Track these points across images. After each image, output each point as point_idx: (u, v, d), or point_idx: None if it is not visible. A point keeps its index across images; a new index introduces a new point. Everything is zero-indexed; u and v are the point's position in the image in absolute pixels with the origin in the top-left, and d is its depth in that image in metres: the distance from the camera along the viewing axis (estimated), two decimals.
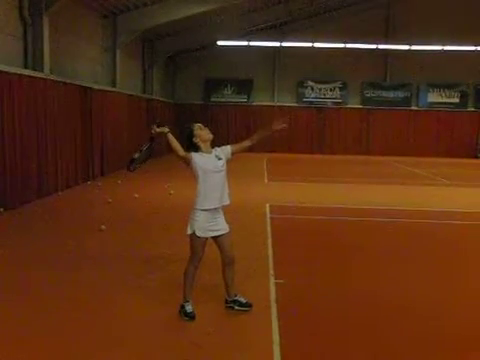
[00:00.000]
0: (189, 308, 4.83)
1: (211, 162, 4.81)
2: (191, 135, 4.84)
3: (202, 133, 4.87)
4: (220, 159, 4.86)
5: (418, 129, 29.18)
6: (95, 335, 4.50)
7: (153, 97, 23.47)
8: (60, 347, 4.26)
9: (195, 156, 4.78)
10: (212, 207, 4.79)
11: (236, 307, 5.09)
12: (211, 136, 4.92)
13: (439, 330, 4.83)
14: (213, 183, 4.78)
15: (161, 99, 25.11)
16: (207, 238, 4.87)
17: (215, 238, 4.93)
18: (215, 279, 5.13)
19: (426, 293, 5.78)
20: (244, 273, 5.93)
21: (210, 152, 4.88)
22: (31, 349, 4.23)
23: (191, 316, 4.79)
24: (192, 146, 4.85)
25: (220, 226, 4.89)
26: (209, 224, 4.81)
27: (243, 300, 5.11)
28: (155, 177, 15.92)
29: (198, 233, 4.77)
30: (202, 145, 4.85)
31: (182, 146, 4.83)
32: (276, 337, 4.45)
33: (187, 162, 4.80)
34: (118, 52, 18.24)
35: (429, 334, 4.73)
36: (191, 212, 4.85)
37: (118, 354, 4.17)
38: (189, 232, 4.82)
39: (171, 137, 4.79)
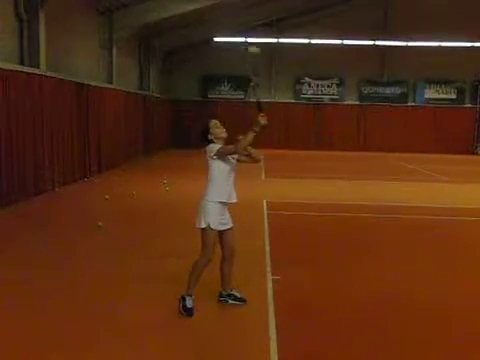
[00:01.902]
0: (190, 303, 4.81)
1: (230, 159, 4.92)
2: (206, 131, 4.90)
3: (218, 131, 4.92)
4: (234, 158, 4.95)
5: (415, 125, 29.19)
6: (93, 331, 4.49)
7: (150, 93, 23.43)
8: (59, 343, 4.26)
9: None
10: (224, 201, 4.86)
11: (230, 301, 5.11)
12: (225, 135, 4.95)
13: (442, 328, 4.83)
14: (229, 179, 4.89)
15: (158, 95, 25.07)
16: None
17: (221, 232, 4.96)
18: (213, 276, 5.12)
19: (429, 290, 5.77)
20: (241, 269, 5.92)
21: None
22: (29, 346, 4.22)
23: (190, 313, 4.77)
24: (205, 141, 4.91)
25: (228, 221, 4.98)
26: (220, 217, 4.87)
27: (238, 295, 5.14)
28: (153, 174, 15.90)
29: (212, 225, 4.79)
30: (217, 142, 4.89)
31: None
32: (273, 333, 4.45)
33: (233, 154, 4.83)
34: (115, 48, 18.18)
35: (431, 332, 4.73)
36: (203, 205, 4.84)
37: (117, 350, 4.17)
38: (203, 225, 4.80)
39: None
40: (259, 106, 4.92)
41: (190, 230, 8.15)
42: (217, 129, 4.91)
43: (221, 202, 4.84)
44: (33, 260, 6.57)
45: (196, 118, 28.86)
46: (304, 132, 29.29)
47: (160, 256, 6.82)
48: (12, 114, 10.35)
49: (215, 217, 4.81)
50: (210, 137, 4.87)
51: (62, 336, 4.39)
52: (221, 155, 4.80)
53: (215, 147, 4.81)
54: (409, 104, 29.42)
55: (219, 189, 4.83)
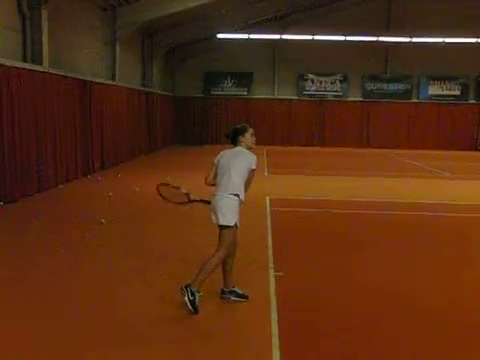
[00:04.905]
0: (197, 300, 4.79)
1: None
2: (240, 132, 5.11)
3: (250, 139, 5.13)
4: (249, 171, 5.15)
5: (419, 122, 29.11)
6: (95, 328, 4.50)
7: (153, 90, 23.43)
8: (59, 340, 4.28)
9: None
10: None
11: (233, 298, 5.12)
12: (253, 146, 5.16)
13: (443, 325, 4.82)
14: None
15: (161, 92, 25.06)
16: None
17: None
18: (213, 274, 5.11)
19: (431, 288, 5.76)
20: (244, 266, 5.93)
21: None
22: (30, 342, 4.24)
23: (196, 310, 4.74)
24: (232, 139, 5.12)
25: None
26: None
27: (240, 291, 5.16)
28: (156, 171, 15.91)
29: (238, 224, 4.97)
30: (243, 146, 5.09)
31: (226, 136, 5.20)
32: (275, 329, 4.46)
33: (248, 183, 5.09)
34: (117, 45, 18.17)
35: (432, 330, 4.72)
36: (233, 205, 4.92)
37: (117, 346, 4.18)
38: (232, 223, 4.90)
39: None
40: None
41: (193, 227, 8.19)
42: (251, 138, 5.13)
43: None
44: (34, 258, 6.58)
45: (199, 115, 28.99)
46: (307, 129, 29.26)
47: (162, 254, 6.83)
48: (15, 111, 10.36)
49: (239, 216, 4.97)
50: (240, 139, 5.07)
51: (63, 335, 4.39)
52: (250, 174, 5.01)
53: (255, 164, 4.99)
54: (413, 100, 29.33)
55: (244, 191, 4.99)
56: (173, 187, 5.38)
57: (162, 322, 4.65)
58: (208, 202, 5.08)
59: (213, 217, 4.98)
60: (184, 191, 5.26)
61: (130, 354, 4.08)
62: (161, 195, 5.43)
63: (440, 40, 26.30)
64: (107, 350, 4.13)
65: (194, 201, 5.23)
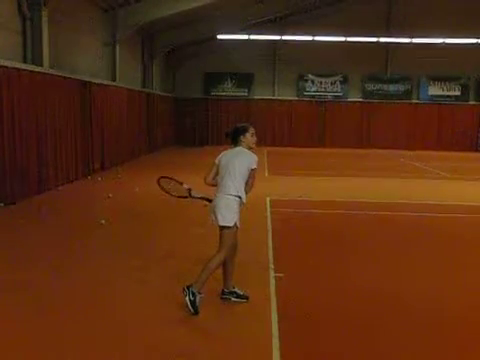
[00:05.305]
0: (198, 300, 4.78)
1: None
2: (241, 132, 5.08)
3: (250, 139, 5.10)
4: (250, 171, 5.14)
5: (419, 122, 29.11)
6: (96, 329, 4.51)
7: (153, 91, 23.45)
8: (59, 340, 4.28)
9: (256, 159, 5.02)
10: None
11: (233, 299, 5.13)
12: (254, 146, 5.14)
13: (441, 326, 4.83)
14: None
15: (161, 93, 25.08)
16: None
17: None
18: (215, 274, 5.12)
19: (431, 288, 5.76)
20: (244, 267, 5.93)
21: None
22: (30, 342, 4.24)
23: (196, 310, 4.74)
24: (233, 139, 5.10)
25: None
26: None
27: (240, 292, 5.16)
28: (156, 171, 15.90)
29: (238, 224, 4.97)
30: (243, 146, 5.08)
31: (226, 135, 5.19)
32: (275, 330, 4.46)
33: (250, 183, 5.04)
34: (118, 46, 18.19)
35: (432, 330, 4.73)
36: (233, 205, 4.91)
37: (118, 346, 4.18)
38: (231, 224, 4.90)
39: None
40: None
41: (194, 227, 8.20)
42: (252, 137, 5.10)
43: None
44: (35, 259, 6.57)
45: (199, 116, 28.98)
46: (307, 129, 29.26)
47: (162, 255, 6.83)
48: (15, 112, 10.37)
49: (239, 216, 4.96)
50: (242, 139, 5.05)
51: (63, 336, 4.40)
52: (251, 173, 4.97)
53: (255, 163, 4.95)
54: (413, 101, 29.33)
55: (245, 191, 4.98)
56: (176, 181, 5.38)
57: (162, 322, 4.66)
58: (209, 200, 5.08)
59: (212, 217, 4.98)
60: (186, 187, 5.26)
61: (130, 354, 4.08)
62: (162, 187, 5.46)
63: (440, 40, 26.29)
64: (107, 350, 4.13)
65: (194, 197, 5.22)
